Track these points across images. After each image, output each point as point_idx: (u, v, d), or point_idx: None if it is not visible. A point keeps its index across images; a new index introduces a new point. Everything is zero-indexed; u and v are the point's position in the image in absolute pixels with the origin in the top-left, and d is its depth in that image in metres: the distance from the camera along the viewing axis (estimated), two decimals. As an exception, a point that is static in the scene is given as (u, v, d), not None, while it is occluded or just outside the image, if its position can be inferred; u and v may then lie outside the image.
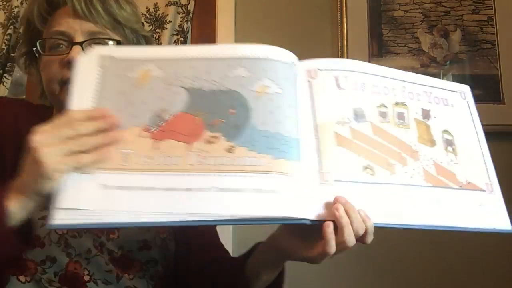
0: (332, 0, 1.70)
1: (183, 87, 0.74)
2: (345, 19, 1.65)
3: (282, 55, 0.78)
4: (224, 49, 0.78)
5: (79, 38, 0.90)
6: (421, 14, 1.63)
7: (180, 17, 1.96)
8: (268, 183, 0.68)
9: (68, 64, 0.86)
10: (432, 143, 0.82)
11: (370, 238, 0.72)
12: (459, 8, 1.62)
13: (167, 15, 1.95)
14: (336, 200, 0.70)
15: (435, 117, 0.84)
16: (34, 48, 0.93)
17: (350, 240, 0.70)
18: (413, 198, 0.75)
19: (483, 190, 0.81)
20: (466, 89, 0.91)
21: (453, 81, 1.62)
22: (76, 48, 0.88)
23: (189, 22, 1.95)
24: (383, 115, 0.80)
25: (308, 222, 0.68)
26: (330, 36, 1.73)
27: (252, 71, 0.75)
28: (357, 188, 0.73)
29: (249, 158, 0.69)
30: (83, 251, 0.86)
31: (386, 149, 0.77)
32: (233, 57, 0.76)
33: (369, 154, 0.76)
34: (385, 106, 0.81)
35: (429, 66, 1.61)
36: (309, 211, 0.69)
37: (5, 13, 2.01)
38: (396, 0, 1.64)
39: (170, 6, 1.96)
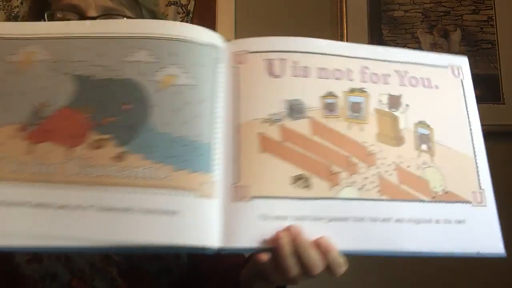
0: (332, 0, 1.69)
1: (71, 74, 0.60)
2: (345, 19, 1.63)
3: (199, 34, 0.62)
4: (124, 24, 0.64)
5: (92, 13, 0.81)
6: (421, 14, 1.62)
7: (180, 17, 1.90)
8: (164, 202, 0.54)
9: None
10: (399, 140, 0.63)
11: (339, 271, 0.57)
12: (459, 8, 1.61)
13: (167, 15, 1.89)
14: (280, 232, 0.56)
15: (407, 105, 0.65)
16: (41, 20, 0.83)
17: (298, 276, 0.56)
18: (358, 217, 0.58)
19: (467, 202, 0.62)
20: (461, 61, 0.70)
21: None
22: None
23: (189, 22, 1.89)
24: (330, 107, 0.62)
25: (213, 251, 0.55)
26: (330, 36, 1.69)
27: (157, 55, 0.60)
28: (283, 206, 0.57)
29: (142, 169, 0.55)
30: (87, 266, 0.76)
31: (328, 153, 0.60)
32: (134, 35, 0.61)
33: (303, 160, 0.59)
34: (333, 96, 0.63)
35: None
36: (216, 237, 0.55)
37: (5, 13, 1.97)
38: (396, 0, 1.63)
39: (170, 6, 1.91)
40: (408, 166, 0.62)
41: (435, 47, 1.60)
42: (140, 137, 0.57)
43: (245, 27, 1.78)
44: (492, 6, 1.59)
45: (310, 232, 0.56)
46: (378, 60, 0.66)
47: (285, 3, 1.75)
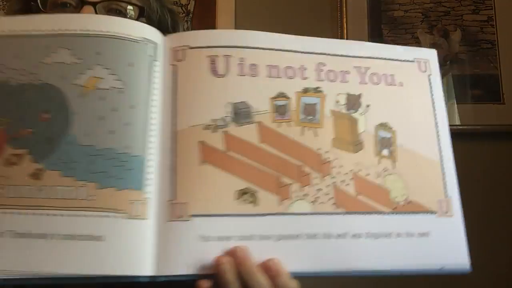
0: (332, 0, 1.67)
1: None
2: (345, 19, 1.62)
3: (129, 29, 0.55)
4: (41, 20, 0.55)
5: None
6: (421, 14, 1.60)
7: (180, 17, 1.82)
8: (87, 226, 0.48)
9: None
10: (357, 146, 0.56)
11: None
12: (459, 8, 1.59)
13: (167, 15, 1.88)
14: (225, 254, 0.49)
15: (367, 106, 0.58)
16: (33, 3, 0.73)
17: None
18: (311, 234, 0.52)
19: (432, 212, 0.56)
20: (429, 55, 0.64)
21: (453, 81, 1.43)
22: (88, 9, 0.69)
23: (189, 22, 1.84)
24: (281, 110, 0.55)
25: (146, 280, 0.48)
26: (330, 36, 1.64)
27: (80, 54, 0.53)
28: (227, 225, 0.51)
29: (61, 188, 0.49)
30: None
31: (278, 163, 0.53)
32: (53, 32, 0.53)
33: (249, 172, 0.52)
34: (285, 97, 0.56)
35: None
36: (149, 264, 0.48)
37: (5, 12, 1.86)
38: (396, 0, 1.61)
39: (170, 6, 1.90)
40: (367, 174, 0.55)
41: (435, 47, 1.57)
42: (59, 151, 0.50)
43: (245, 27, 1.74)
44: (492, 6, 1.56)
45: (258, 252, 0.50)
46: (336, 55, 0.59)
47: (285, 3, 1.73)
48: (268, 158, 0.53)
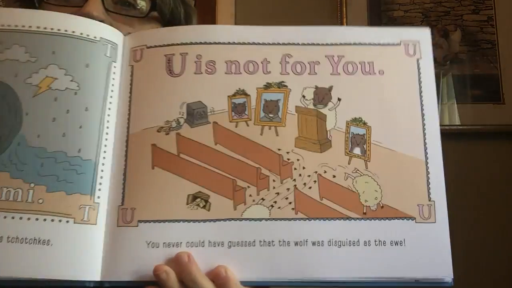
0: (332, 0, 1.66)
1: None
2: (345, 19, 1.62)
3: (88, 28, 0.53)
4: None
5: None
6: (421, 14, 1.60)
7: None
8: (35, 229, 0.47)
9: None
10: (324, 145, 0.52)
11: None
12: (459, 8, 1.60)
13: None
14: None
15: (339, 99, 0.53)
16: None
17: None
18: (267, 240, 0.49)
19: (409, 218, 0.50)
20: (420, 35, 0.56)
21: (453, 81, 1.40)
22: (94, 1, 0.64)
23: None
24: (239, 108, 0.52)
25: (91, 285, 0.48)
26: None
27: (34, 52, 0.51)
28: (176, 231, 0.49)
29: (8, 190, 0.48)
30: None
31: (233, 166, 0.50)
32: (5, 28, 0.52)
33: (203, 176, 0.50)
34: (244, 94, 0.52)
35: None
36: (97, 269, 0.48)
37: (4, 4, 1.93)
38: (396, 0, 1.62)
39: (170, 5, 1.90)
40: (334, 176, 0.51)
41: (435, 47, 1.56)
42: (7, 151, 0.49)
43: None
44: (492, 6, 1.57)
45: (208, 259, 0.48)
46: (305, 44, 0.54)
47: (285, 3, 1.72)
48: (223, 161, 0.50)
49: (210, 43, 0.53)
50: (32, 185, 0.48)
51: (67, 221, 0.48)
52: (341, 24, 1.60)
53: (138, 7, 0.68)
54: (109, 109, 0.52)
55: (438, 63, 1.52)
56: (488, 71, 1.50)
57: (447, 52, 1.54)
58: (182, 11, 0.76)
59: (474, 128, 1.44)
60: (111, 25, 0.65)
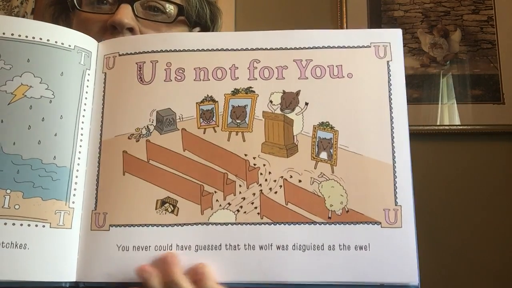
0: (332, 0, 1.67)
1: None
2: (345, 19, 1.62)
3: (63, 37, 0.54)
4: None
5: None
6: (421, 14, 1.61)
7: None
8: (11, 234, 0.49)
9: (110, 29, 0.66)
10: (290, 149, 0.52)
11: None
12: (459, 8, 1.60)
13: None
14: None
15: (306, 104, 0.53)
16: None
17: None
18: (233, 244, 0.50)
19: (375, 223, 0.50)
20: (390, 36, 0.55)
21: (453, 81, 1.41)
22: (124, 8, 0.66)
23: None
24: (207, 115, 0.53)
25: (67, 286, 0.50)
26: None
27: (9, 60, 0.52)
28: (145, 235, 0.50)
29: None
30: None
31: (200, 171, 0.52)
32: None
33: (171, 181, 0.51)
34: (212, 101, 0.53)
35: (429, 66, 1.56)
36: (72, 271, 0.50)
37: (5, 13, 1.95)
38: (396, 0, 1.62)
39: (170, 6, 1.92)
40: (300, 181, 0.51)
41: (435, 47, 1.61)
42: None
43: (245, 27, 1.73)
44: (492, 6, 1.57)
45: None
46: (273, 49, 0.55)
47: (285, 3, 1.72)
48: (190, 166, 0.51)
49: (180, 51, 0.54)
50: (9, 191, 0.50)
51: (43, 226, 0.50)
52: (341, 24, 1.60)
53: (167, 11, 0.69)
54: (83, 116, 0.54)
55: (438, 63, 1.54)
56: (488, 71, 1.50)
57: (447, 52, 1.54)
58: (208, 12, 0.77)
59: (474, 128, 1.43)
60: (140, 31, 0.68)
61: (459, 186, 1.43)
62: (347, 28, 1.57)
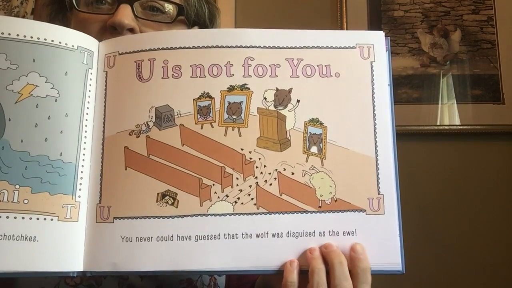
0: (332, 0, 1.68)
1: None
2: (345, 19, 1.63)
3: (66, 37, 0.56)
4: None
5: None
6: (421, 14, 1.62)
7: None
8: (21, 227, 0.52)
9: (110, 29, 0.67)
10: (284, 144, 0.55)
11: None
12: (459, 8, 1.61)
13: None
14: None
15: (298, 101, 0.56)
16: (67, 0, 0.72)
17: None
18: (231, 234, 0.53)
19: (360, 210, 0.54)
20: (374, 38, 0.58)
21: (453, 81, 1.42)
22: (124, 8, 0.67)
23: None
24: (204, 111, 0.56)
25: (75, 275, 0.53)
26: None
27: (15, 60, 0.54)
28: (147, 226, 0.53)
29: None
30: None
31: (199, 165, 0.55)
32: None
33: (171, 175, 0.54)
34: (208, 97, 0.56)
35: (429, 66, 1.57)
36: (80, 262, 0.53)
37: (5, 13, 1.92)
38: (396, 0, 1.63)
39: (170, 6, 1.93)
40: (293, 173, 0.55)
41: (435, 47, 1.63)
42: None
43: (245, 27, 1.76)
44: (492, 6, 1.58)
45: (177, 251, 0.53)
46: (267, 47, 0.57)
47: (285, 3, 1.72)
48: (189, 161, 0.54)
49: (176, 48, 0.56)
50: (17, 186, 0.53)
51: (52, 219, 0.53)
52: (341, 24, 1.61)
53: (166, 11, 0.70)
54: (87, 114, 0.56)
55: (438, 63, 1.56)
56: (488, 71, 1.51)
57: (447, 52, 1.55)
58: (207, 11, 0.78)
59: (474, 128, 1.44)
60: (140, 31, 0.68)
61: (459, 186, 1.44)
62: (347, 28, 1.57)
